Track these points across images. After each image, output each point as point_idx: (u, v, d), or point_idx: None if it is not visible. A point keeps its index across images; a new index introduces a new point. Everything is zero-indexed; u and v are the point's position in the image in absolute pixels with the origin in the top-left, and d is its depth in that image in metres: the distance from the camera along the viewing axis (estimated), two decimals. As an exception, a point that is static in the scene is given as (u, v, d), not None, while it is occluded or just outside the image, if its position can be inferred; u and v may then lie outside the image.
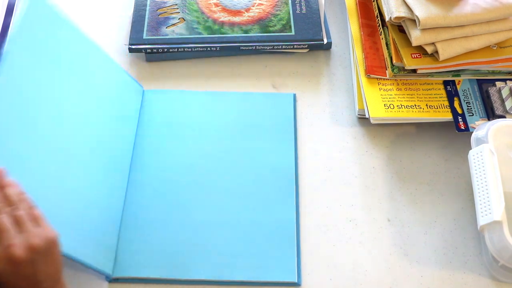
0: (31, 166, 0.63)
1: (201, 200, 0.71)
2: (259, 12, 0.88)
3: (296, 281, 0.66)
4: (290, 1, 0.89)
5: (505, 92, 0.76)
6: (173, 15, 0.87)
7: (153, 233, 0.68)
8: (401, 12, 0.77)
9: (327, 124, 0.79)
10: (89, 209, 0.66)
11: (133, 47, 0.83)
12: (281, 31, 0.85)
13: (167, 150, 0.74)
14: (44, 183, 0.64)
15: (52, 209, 0.63)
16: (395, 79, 0.79)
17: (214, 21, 0.86)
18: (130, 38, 0.84)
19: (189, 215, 0.69)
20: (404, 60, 0.77)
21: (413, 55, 0.77)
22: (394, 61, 0.78)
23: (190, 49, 0.84)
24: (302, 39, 0.84)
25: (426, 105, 0.76)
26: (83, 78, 0.69)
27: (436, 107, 0.76)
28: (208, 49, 0.84)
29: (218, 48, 0.84)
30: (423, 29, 0.75)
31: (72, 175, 0.66)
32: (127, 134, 0.74)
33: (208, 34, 0.85)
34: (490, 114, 0.75)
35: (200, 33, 0.85)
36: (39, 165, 0.63)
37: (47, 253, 0.53)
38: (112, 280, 0.65)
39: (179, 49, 0.83)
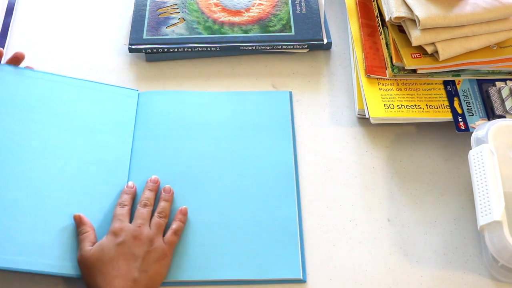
0: (25, 194, 0.67)
1: (202, 200, 0.70)
2: (259, 12, 0.88)
3: (301, 277, 0.66)
4: (290, 1, 0.89)
5: (505, 92, 0.76)
6: (173, 15, 0.87)
7: None
8: (401, 12, 0.77)
9: (327, 124, 0.79)
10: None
11: (133, 47, 0.84)
12: (281, 31, 0.85)
13: (165, 151, 0.74)
14: (40, 210, 0.66)
15: (53, 237, 0.65)
16: (395, 79, 0.79)
17: (214, 21, 0.86)
18: (130, 38, 0.84)
19: (191, 216, 0.69)
20: (404, 60, 0.77)
21: (413, 55, 0.77)
22: (394, 61, 0.78)
23: (190, 49, 0.84)
24: (302, 39, 0.84)
25: (426, 105, 0.76)
26: (65, 110, 0.74)
27: (436, 107, 0.76)
28: (208, 49, 0.84)
29: (218, 48, 0.84)
30: (423, 29, 0.75)
31: (65, 194, 0.68)
32: (123, 141, 0.74)
33: (208, 34, 0.85)
34: (490, 114, 0.75)
35: (200, 33, 0.85)
36: (33, 191, 0.67)
37: (162, 255, 0.64)
38: None
39: (179, 49, 0.83)
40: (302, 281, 0.66)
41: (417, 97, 0.77)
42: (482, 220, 0.62)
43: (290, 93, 0.81)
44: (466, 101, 0.77)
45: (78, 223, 0.66)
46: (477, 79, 0.79)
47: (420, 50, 0.78)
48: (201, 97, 0.80)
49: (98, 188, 0.70)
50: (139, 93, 0.79)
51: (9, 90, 0.73)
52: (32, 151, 0.70)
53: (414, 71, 0.78)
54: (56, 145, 0.71)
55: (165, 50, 0.83)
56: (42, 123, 0.72)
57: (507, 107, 0.75)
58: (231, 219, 0.69)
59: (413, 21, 0.76)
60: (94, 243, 0.64)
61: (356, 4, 0.87)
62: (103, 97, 0.77)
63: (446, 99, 0.77)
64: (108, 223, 0.67)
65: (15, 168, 0.68)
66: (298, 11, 0.88)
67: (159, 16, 0.87)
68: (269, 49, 0.84)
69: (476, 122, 0.75)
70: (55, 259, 0.64)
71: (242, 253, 0.67)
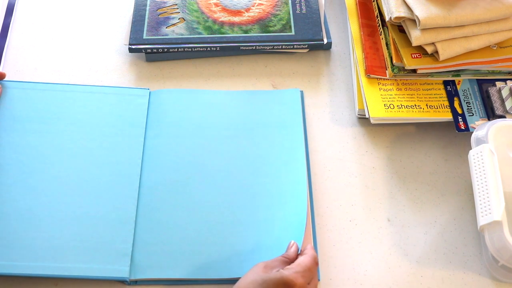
0: (39, 202, 0.69)
1: (215, 199, 0.70)
2: (259, 12, 0.88)
3: None
4: (290, 1, 0.89)
5: (505, 92, 0.76)
6: (173, 15, 0.87)
7: (169, 233, 0.68)
8: (401, 12, 0.77)
9: (327, 124, 0.79)
10: (100, 225, 0.68)
11: (133, 47, 0.84)
12: (281, 31, 0.85)
13: (177, 150, 0.74)
14: (54, 216, 0.69)
15: (67, 240, 0.67)
16: (395, 79, 0.79)
17: (214, 21, 0.86)
18: (130, 38, 0.84)
19: (203, 214, 0.69)
20: (404, 60, 0.77)
21: (413, 55, 0.77)
22: (394, 61, 0.78)
23: (190, 49, 0.84)
24: (302, 39, 0.84)
25: (426, 105, 0.76)
26: (77, 118, 0.76)
27: (436, 107, 0.76)
28: (208, 49, 0.84)
29: (218, 48, 0.84)
30: (423, 29, 0.75)
31: (78, 198, 0.70)
32: (135, 141, 0.75)
33: (208, 34, 0.85)
34: (490, 114, 0.76)
35: (200, 33, 0.85)
36: (47, 199, 0.70)
37: None
38: (131, 282, 0.65)
39: (179, 49, 0.83)
40: None
41: (417, 97, 0.77)
42: (482, 220, 0.62)
43: (302, 92, 0.81)
44: (466, 101, 0.77)
45: (290, 248, 0.63)
46: (477, 79, 0.79)
47: (420, 50, 0.78)
48: (213, 96, 0.80)
49: (110, 190, 0.70)
50: (150, 92, 0.80)
51: (23, 105, 0.77)
52: (45, 161, 0.72)
53: (414, 71, 0.78)
54: (69, 152, 0.73)
55: (165, 50, 0.83)
56: (55, 133, 0.74)
57: (507, 107, 0.75)
58: (244, 217, 0.69)
59: (413, 21, 0.76)
60: (268, 267, 0.59)
61: (356, 4, 0.87)
62: (114, 99, 0.78)
63: (446, 99, 0.77)
64: (119, 225, 0.67)
65: (30, 178, 0.70)
66: (298, 11, 0.88)
67: (159, 16, 0.87)
68: (269, 49, 0.84)
69: (476, 122, 0.75)
70: (69, 262, 0.65)
71: (256, 251, 0.66)
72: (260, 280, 0.57)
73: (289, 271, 0.58)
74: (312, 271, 0.60)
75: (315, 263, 0.61)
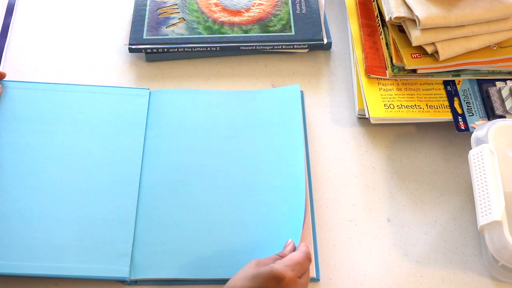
0: (40, 202, 0.69)
1: (214, 199, 0.70)
2: (259, 12, 0.88)
3: (315, 276, 0.65)
4: (290, 1, 0.89)
5: (505, 92, 0.76)
6: (173, 15, 0.87)
7: (169, 233, 0.68)
8: (401, 12, 0.77)
9: (327, 124, 0.79)
10: (100, 225, 0.68)
11: (133, 47, 0.84)
12: (281, 31, 0.85)
13: (177, 150, 0.74)
14: (54, 215, 0.69)
15: (68, 240, 0.67)
16: (395, 79, 0.79)
17: (214, 21, 0.86)
18: (130, 38, 0.84)
19: (203, 214, 0.69)
20: (404, 60, 0.77)
21: (413, 55, 0.77)
22: (394, 61, 0.78)
23: (190, 49, 0.84)
24: (302, 39, 0.84)
25: (426, 105, 0.76)
26: (78, 118, 0.76)
27: (436, 107, 0.76)
28: (208, 49, 0.84)
29: (218, 48, 0.84)
30: (423, 29, 0.75)
31: (78, 198, 0.70)
32: (135, 141, 0.75)
33: (208, 34, 0.85)
34: (490, 114, 0.76)
35: (200, 33, 0.85)
36: (48, 199, 0.70)
37: None
38: (131, 282, 0.65)
39: (179, 49, 0.84)
40: (316, 279, 0.65)
41: (417, 97, 0.77)
42: (482, 220, 0.62)
43: (302, 92, 0.81)
44: (466, 101, 0.77)
45: (287, 246, 0.63)
46: (477, 79, 0.79)
47: (420, 50, 0.78)
48: (213, 96, 0.80)
49: (110, 190, 0.70)
50: (150, 92, 0.80)
51: (23, 105, 0.77)
52: (46, 161, 0.72)
53: (414, 71, 0.78)
54: (69, 152, 0.73)
55: (165, 50, 0.83)
56: (55, 133, 0.74)
57: (507, 107, 0.75)
58: (244, 217, 0.69)
59: (413, 21, 0.76)
60: (260, 264, 0.59)
61: (356, 4, 0.87)
62: (115, 99, 0.78)
63: (446, 99, 0.77)
64: (119, 225, 0.67)
65: (30, 178, 0.70)
66: (298, 11, 0.88)
67: (159, 16, 0.87)
68: (269, 49, 0.84)
69: (476, 122, 0.75)
70: (69, 262, 0.65)
71: (256, 251, 0.66)
72: (250, 275, 0.57)
73: (279, 265, 0.57)
74: (304, 266, 0.59)
75: (307, 258, 0.61)
